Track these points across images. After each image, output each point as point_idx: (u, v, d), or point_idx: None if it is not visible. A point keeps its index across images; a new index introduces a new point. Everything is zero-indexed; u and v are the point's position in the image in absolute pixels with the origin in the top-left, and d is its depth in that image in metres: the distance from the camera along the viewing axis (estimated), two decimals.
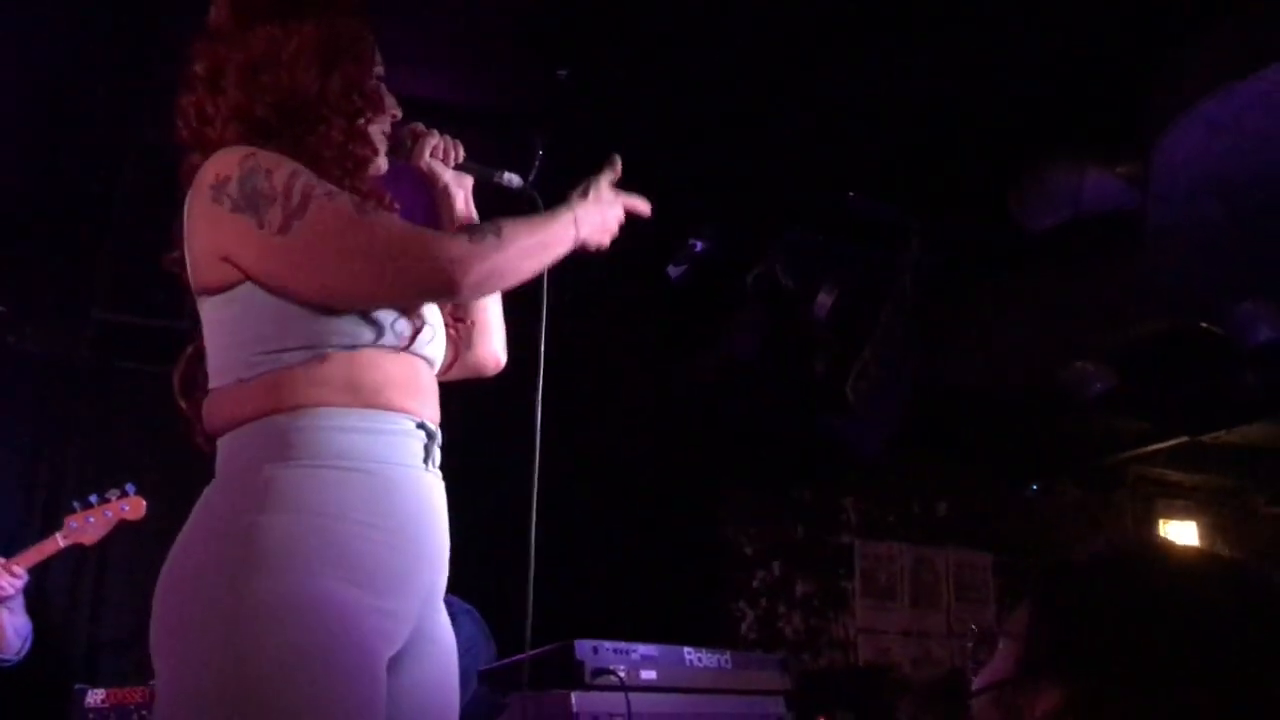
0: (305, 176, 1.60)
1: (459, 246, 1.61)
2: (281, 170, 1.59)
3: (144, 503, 3.85)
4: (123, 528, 3.94)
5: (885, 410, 4.99)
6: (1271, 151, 3.61)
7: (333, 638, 1.47)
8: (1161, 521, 8.12)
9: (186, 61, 1.73)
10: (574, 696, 3.07)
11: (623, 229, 1.97)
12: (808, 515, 7.16)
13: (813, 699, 5.11)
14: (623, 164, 2.00)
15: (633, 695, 3.11)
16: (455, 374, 1.97)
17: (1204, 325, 5.06)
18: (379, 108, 1.79)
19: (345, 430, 1.59)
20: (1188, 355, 5.27)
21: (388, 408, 1.63)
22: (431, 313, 1.78)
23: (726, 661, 3.55)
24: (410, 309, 1.69)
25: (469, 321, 1.95)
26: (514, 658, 3.48)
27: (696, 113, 4.17)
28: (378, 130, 1.81)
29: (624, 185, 2.05)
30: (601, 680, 3.12)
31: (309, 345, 1.60)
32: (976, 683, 1.29)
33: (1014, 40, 3.71)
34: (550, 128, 4.12)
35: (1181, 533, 8.12)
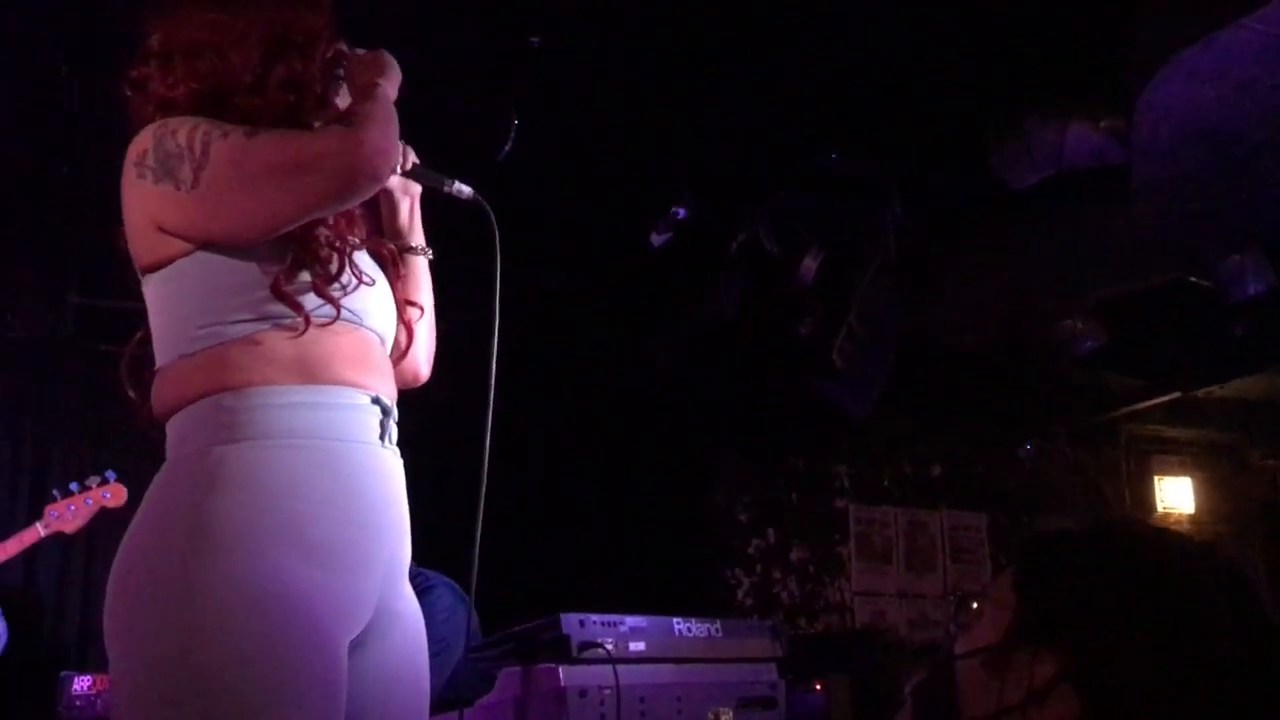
0: (205, 126, 1.58)
1: (342, 135, 1.58)
2: (184, 127, 1.58)
3: (125, 490, 3.84)
4: (112, 515, 3.93)
5: (872, 371, 4.96)
6: (1255, 100, 3.56)
7: (287, 621, 1.45)
8: (1156, 478, 8.11)
9: (142, 35, 1.72)
10: (561, 670, 3.05)
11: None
12: (801, 481, 7.15)
13: (807, 664, 5.10)
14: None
15: (621, 667, 3.09)
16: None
17: (1192, 279, 5.03)
18: (323, 104, 1.74)
19: (294, 407, 1.56)
20: (1177, 310, 5.24)
21: (338, 382, 1.61)
22: (382, 295, 1.76)
23: (716, 630, 3.53)
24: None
25: (419, 306, 1.91)
26: (502, 632, 3.46)
27: (673, 78, 4.12)
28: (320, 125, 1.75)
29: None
30: (589, 653, 3.10)
31: (252, 318, 1.57)
32: (962, 646, 1.31)
33: None
34: (525, 96, 4.09)
35: (1177, 488, 8.12)
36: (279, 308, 1.58)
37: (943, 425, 7.37)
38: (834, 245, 4.57)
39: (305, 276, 1.61)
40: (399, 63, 1.81)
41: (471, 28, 3.92)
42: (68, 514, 3.76)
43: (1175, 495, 8.11)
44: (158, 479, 1.57)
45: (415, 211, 1.95)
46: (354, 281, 1.68)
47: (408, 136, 1.84)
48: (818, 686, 5.19)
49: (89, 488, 3.81)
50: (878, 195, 4.53)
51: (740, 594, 6.81)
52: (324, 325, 1.61)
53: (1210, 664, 1.11)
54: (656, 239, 4.76)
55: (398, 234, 1.93)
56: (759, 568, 6.92)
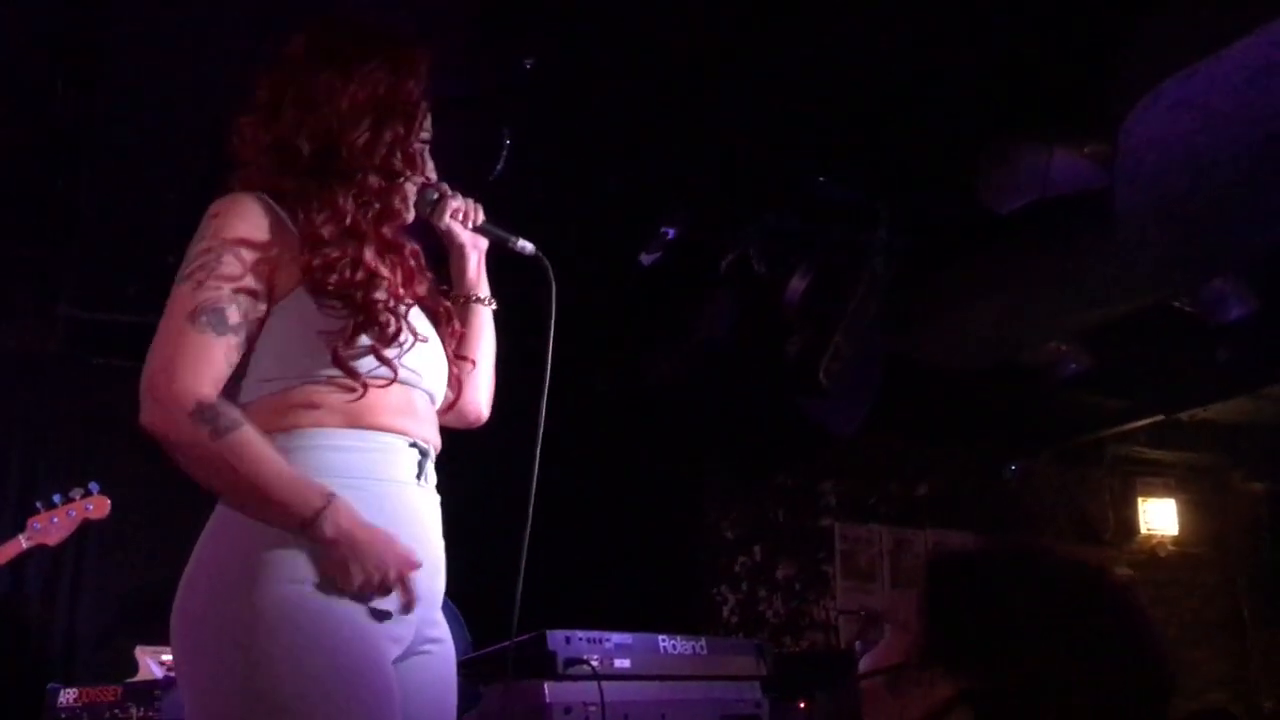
0: (209, 256, 1.67)
1: (187, 400, 1.60)
2: (205, 241, 1.70)
3: (108, 501, 3.85)
4: (98, 526, 3.93)
5: (859, 391, 5.00)
6: (1235, 129, 3.61)
7: (341, 637, 1.57)
8: (1141, 499, 8.15)
9: (252, 86, 1.84)
10: (547, 687, 3.07)
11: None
12: (788, 499, 7.17)
13: (792, 683, 5.11)
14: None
15: (607, 684, 3.11)
16: (449, 420, 2.02)
17: (1175, 303, 5.08)
18: (417, 169, 1.88)
19: (339, 449, 1.68)
20: (1160, 333, 5.29)
21: (380, 428, 1.72)
22: (434, 352, 1.87)
23: (702, 648, 3.56)
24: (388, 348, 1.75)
25: (470, 360, 2.02)
26: (488, 649, 3.47)
27: (664, 99, 4.16)
28: (411, 188, 1.89)
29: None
30: (574, 670, 3.12)
31: (314, 379, 1.70)
32: (866, 664, 1.38)
33: (980, 20, 3.70)
34: (518, 117, 4.13)
35: (1161, 510, 8.16)
36: (329, 369, 1.70)
37: (929, 445, 7.40)
38: (822, 266, 4.61)
39: (364, 340, 1.70)
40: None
41: (463, 48, 3.96)
42: (50, 526, 3.77)
43: (1159, 517, 8.14)
44: (215, 513, 1.67)
45: (482, 265, 2.08)
46: (410, 340, 1.77)
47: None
48: (801, 705, 5.20)
49: (72, 499, 3.82)
50: (866, 218, 4.57)
51: (726, 611, 6.81)
52: (380, 387, 1.73)
53: (1095, 686, 1.16)
54: (646, 258, 4.80)
55: (465, 285, 2.05)
56: (745, 585, 6.93)
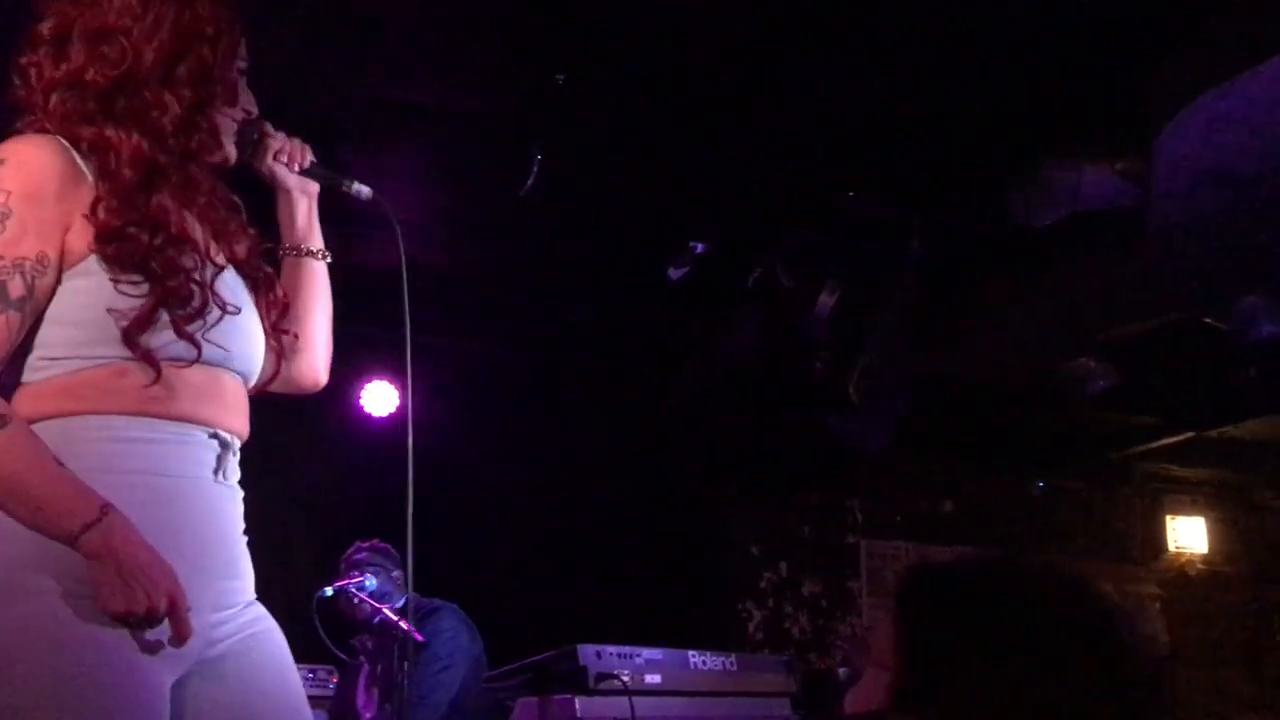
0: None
1: None
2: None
3: None
4: None
5: (888, 407, 4.98)
6: (1271, 145, 3.59)
7: (93, 658, 1.42)
8: (1169, 517, 8.09)
9: (34, 18, 1.64)
10: (578, 701, 3.06)
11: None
12: (814, 515, 7.15)
13: (819, 700, 5.09)
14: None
15: (637, 699, 3.11)
16: (277, 387, 1.86)
17: (1206, 320, 5.04)
18: (230, 99, 1.71)
19: (125, 440, 1.53)
20: (1190, 350, 5.25)
21: (175, 417, 1.57)
22: (247, 324, 1.71)
23: (731, 664, 3.54)
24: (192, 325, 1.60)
25: (291, 334, 1.84)
26: (518, 663, 3.47)
27: (694, 114, 4.16)
28: (226, 121, 1.72)
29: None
30: (605, 685, 3.11)
31: (107, 356, 1.54)
32: (851, 704, 1.37)
33: (1013, 36, 3.70)
34: (548, 133, 4.14)
35: (1189, 528, 8.09)
36: (116, 346, 1.53)
37: (956, 462, 7.37)
38: (851, 283, 4.60)
39: (164, 316, 1.55)
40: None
41: (494, 66, 3.98)
42: None
43: (1188, 534, 8.07)
44: None
45: (313, 212, 1.90)
46: (218, 314, 1.62)
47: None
48: None
49: None
50: (896, 234, 4.56)
51: (751, 627, 6.80)
52: (180, 369, 1.57)
53: (1077, 714, 1.15)
54: (674, 273, 4.80)
55: (295, 236, 1.88)
56: (771, 601, 6.92)
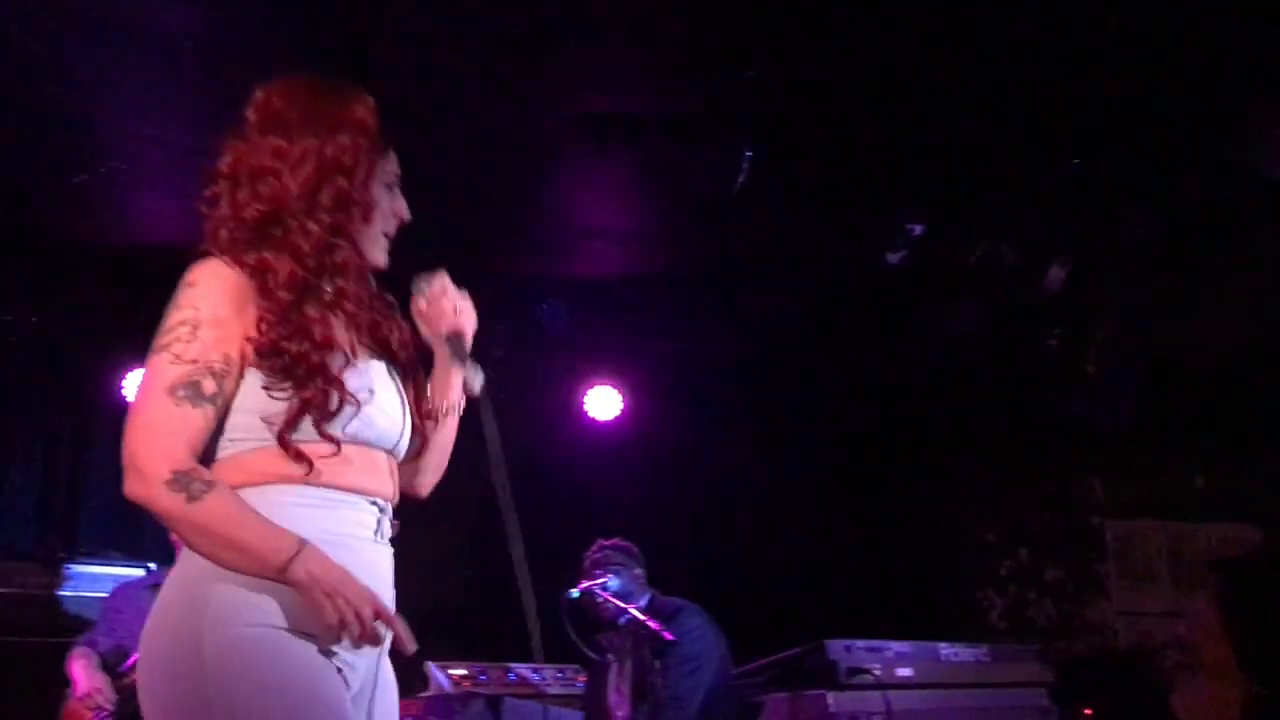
0: (185, 329, 1.75)
1: (163, 471, 1.67)
2: (181, 311, 1.77)
3: None
4: None
5: (1129, 380, 4.76)
6: None
7: (298, 668, 1.68)
8: None
9: (215, 154, 1.89)
10: (830, 697, 3.06)
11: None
12: (1053, 498, 6.90)
13: (1074, 689, 4.90)
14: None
15: (890, 693, 3.07)
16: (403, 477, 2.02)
17: None
18: (367, 217, 1.91)
19: (300, 505, 1.76)
20: None
21: (341, 486, 1.80)
22: (388, 405, 1.90)
23: (984, 655, 3.47)
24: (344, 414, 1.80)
25: (434, 420, 2.05)
26: (763, 660, 3.48)
27: (902, 94, 4.09)
28: (371, 233, 1.93)
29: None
30: (857, 679, 3.09)
31: (268, 441, 1.76)
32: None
33: None
34: (757, 129, 4.14)
35: None
36: (298, 432, 1.76)
37: (1204, 435, 6.95)
38: (1081, 254, 4.41)
39: (306, 422, 1.76)
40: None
41: (700, 66, 4.00)
42: None
43: None
44: (176, 566, 1.77)
45: (453, 377, 2.08)
46: (359, 402, 1.81)
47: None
48: (1087, 712, 4.99)
49: None
50: (1125, 200, 4.36)
51: (994, 616, 6.62)
52: (326, 458, 1.78)
53: None
54: (892, 257, 4.72)
55: (442, 398, 2.07)
56: (1011, 589, 6.71)
